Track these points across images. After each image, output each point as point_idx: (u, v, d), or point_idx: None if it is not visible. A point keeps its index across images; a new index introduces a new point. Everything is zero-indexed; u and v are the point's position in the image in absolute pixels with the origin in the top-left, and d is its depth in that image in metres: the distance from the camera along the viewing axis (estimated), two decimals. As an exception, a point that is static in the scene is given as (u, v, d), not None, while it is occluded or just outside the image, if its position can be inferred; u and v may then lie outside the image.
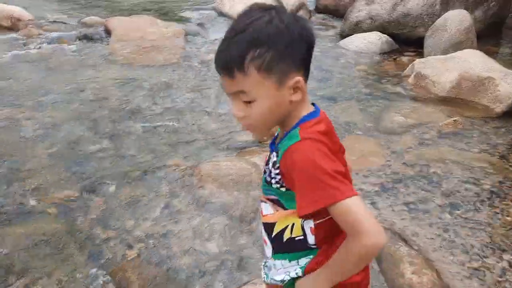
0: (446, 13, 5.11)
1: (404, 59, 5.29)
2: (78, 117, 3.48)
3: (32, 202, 2.48)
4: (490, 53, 4.73)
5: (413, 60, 4.91)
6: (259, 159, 2.84)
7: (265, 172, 1.10)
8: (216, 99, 4.02)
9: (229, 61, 0.97)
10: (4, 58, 4.47)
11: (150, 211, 2.48)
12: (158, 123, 3.49)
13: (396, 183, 2.78)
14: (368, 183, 2.77)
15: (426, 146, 3.23)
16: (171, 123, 3.50)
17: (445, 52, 4.73)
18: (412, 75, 4.36)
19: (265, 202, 1.12)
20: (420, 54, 5.34)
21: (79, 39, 5.35)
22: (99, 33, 5.60)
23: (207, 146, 3.18)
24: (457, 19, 4.91)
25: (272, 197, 1.09)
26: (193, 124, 3.51)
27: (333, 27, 6.80)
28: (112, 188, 2.66)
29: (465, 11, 5.13)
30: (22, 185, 2.61)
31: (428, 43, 5.13)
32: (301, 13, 6.65)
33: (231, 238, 2.30)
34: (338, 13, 6.91)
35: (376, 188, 2.72)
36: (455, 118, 3.58)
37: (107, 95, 3.91)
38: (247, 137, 3.27)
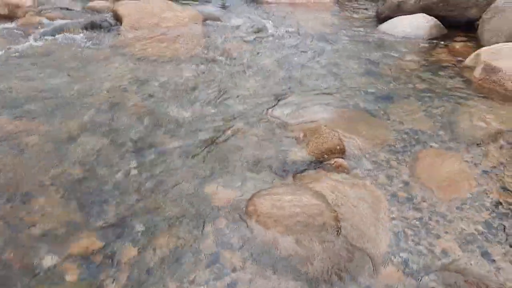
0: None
1: (457, 46, 4.63)
2: (93, 130, 2.87)
3: (47, 259, 1.90)
4: None
5: (468, 47, 4.29)
6: (327, 188, 2.26)
7: None
8: (252, 101, 3.40)
9: None
10: None
11: (196, 269, 1.90)
12: (187, 139, 2.88)
13: (504, 219, 2.20)
14: (466, 220, 2.19)
15: (522, 162, 2.64)
16: (196, 138, 2.90)
17: (511, 38, 4.08)
18: (480, 68, 3.71)
19: None
20: (473, 40, 4.72)
21: (85, 29, 4.68)
22: (107, 20, 4.93)
23: (251, 168, 2.57)
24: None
25: None
26: (230, 138, 2.90)
27: (365, 9, 6.14)
28: (142, 233, 2.08)
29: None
30: (29, 232, 2.02)
31: (486, 27, 4.47)
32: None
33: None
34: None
35: (480, 228, 2.14)
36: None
37: (122, 99, 3.29)
38: (302, 153, 2.67)
